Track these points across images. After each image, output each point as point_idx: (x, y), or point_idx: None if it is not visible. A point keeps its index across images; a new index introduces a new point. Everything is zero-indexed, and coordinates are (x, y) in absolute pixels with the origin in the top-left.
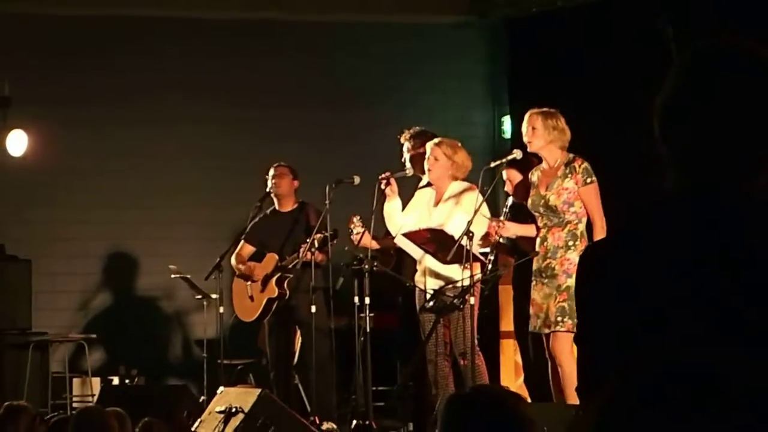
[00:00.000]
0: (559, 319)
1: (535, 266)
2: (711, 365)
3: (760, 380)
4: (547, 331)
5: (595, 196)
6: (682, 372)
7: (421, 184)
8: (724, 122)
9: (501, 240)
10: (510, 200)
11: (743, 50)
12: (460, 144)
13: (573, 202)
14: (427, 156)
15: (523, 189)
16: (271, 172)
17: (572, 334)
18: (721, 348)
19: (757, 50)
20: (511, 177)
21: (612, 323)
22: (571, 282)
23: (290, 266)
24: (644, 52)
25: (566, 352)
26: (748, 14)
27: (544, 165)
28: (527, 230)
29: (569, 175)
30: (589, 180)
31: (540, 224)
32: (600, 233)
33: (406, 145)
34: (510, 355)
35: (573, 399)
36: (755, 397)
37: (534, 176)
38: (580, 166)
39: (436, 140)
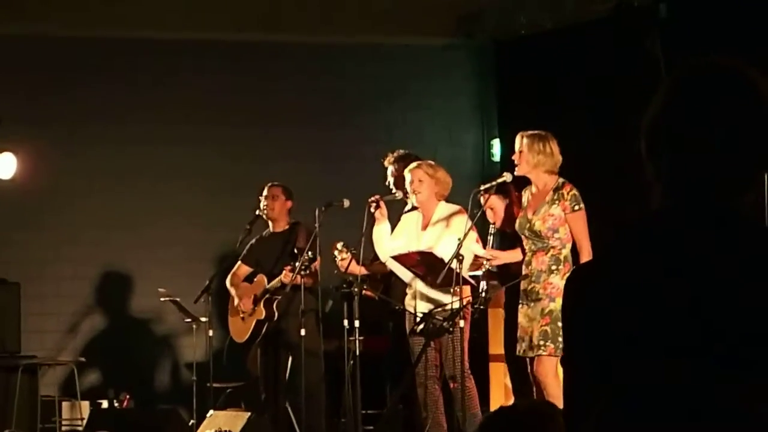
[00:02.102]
0: (542, 342)
1: (522, 287)
2: (698, 388)
3: (744, 398)
4: (531, 354)
5: (583, 223)
6: (669, 393)
7: (407, 208)
8: (713, 141)
9: (491, 268)
10: (492, 228)
11: (731, 70)
12: (434, 163)
13: (558, 228)
14: (410, 180)
15: (506, 216)
16: (264, 192)
17: (555, 358)
18: (709, 370)
19: (744, 70)
20: (493, 204)
21: (598, 346)
22: (554, 306)
23: (275, 288)
24: (633, 73)
25: (550, 376)
26: (736, 34)
27: (533, 188)
28: (514, 255)
29: (557, 202)
30: (576, 207)
31: (525, 247)
32: (586, 258)
33: (391, 169)
34: (500, 378)
35: None
36: (738, 413)
37: (524, 197)
38: (568, 193)
39: (413, 164)
